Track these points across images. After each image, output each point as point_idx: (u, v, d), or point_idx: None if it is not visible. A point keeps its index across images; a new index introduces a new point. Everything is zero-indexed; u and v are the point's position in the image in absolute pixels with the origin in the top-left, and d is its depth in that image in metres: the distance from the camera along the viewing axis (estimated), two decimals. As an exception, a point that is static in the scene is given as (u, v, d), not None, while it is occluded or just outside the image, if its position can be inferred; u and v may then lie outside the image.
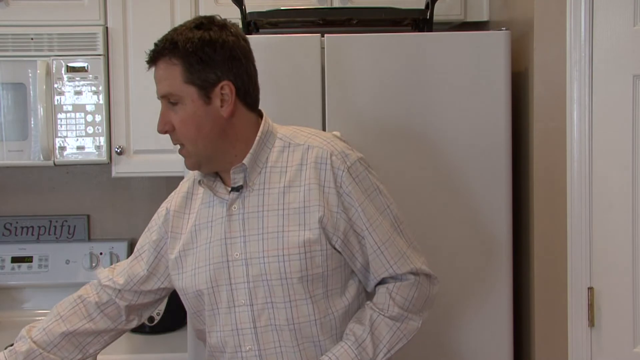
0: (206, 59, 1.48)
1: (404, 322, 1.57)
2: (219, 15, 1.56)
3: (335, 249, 1.53)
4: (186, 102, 1.50)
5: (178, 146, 1.57)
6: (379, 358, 1.54)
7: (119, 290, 1.73)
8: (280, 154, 1.56)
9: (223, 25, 1.53)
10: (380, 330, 1.54)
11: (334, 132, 1.66)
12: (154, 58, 1.54)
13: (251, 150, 1.54)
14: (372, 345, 1.53)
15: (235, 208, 1.56)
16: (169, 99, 1.52)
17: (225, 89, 1.50)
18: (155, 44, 1.55)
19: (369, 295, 1.63)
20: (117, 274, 1.76)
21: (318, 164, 1.53)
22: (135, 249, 1.77)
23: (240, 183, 1.55)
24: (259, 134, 1.55)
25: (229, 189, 1.57)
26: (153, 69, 1.56)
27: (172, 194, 1.74)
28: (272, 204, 1.53)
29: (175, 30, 1.53)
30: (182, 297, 1.66)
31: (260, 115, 1.60)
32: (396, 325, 1.55)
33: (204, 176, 1.60)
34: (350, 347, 1.52)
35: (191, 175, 1.68)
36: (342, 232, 1.53)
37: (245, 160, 1.53)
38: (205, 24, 1.52)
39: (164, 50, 1.51)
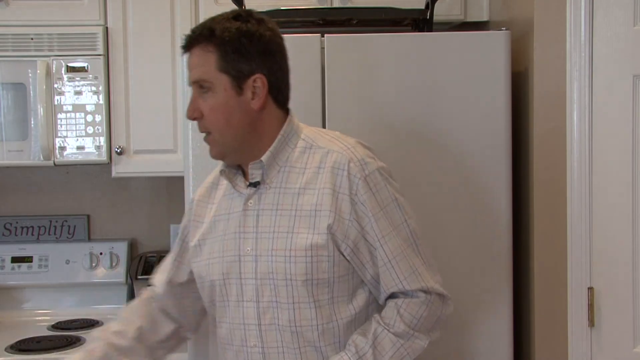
0: (242, 50, 1.48)
1: (410, 340, 1.52)
2: (256, 11, 1.56)
3: (344, 256, 1.51)
4: (218, 91, 1.50)
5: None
6: None
7: (162, 293, 1.75)
8: (302, 154, 1.55)
9: (260, 19, 1.53)
10: (383, 345, 1.51)
11: (360, 141, 1.61)
12: (190, 44, 1.53)
13: (271, 148, 1.53)
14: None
15: (251, 203, 1.55)
16: (200, 86, 1.51)
17: (258, 82, 1.50)
18: (192, 31, 1.54)
19: (380, 308, 1.58)
20: (158, 275, 1.79)
21: (335, 169, 1.50)
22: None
23: (258, 179, 1.55)
24: (281, 132, 1.54)
25: (248, 183, 1.57)
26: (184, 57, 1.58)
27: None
28: (287, 203, 1.52)
29: (213, 19, 1.53)
30: (199, 286, 1.66)
31: (287, 113, 1.59)
32: (400, 342, 1.51)
33: (226, 167, 1.60)
34: (350, 358, 1.49)
35: (220, 166, 1.67)
36: (352, 240, 1.50)
37: (264, 157, 1.53)
38: (243, 16, 1.52)
39: (200, 37, 1.51)
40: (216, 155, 1.56)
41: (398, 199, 1.53)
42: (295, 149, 1.55)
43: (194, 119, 1.55)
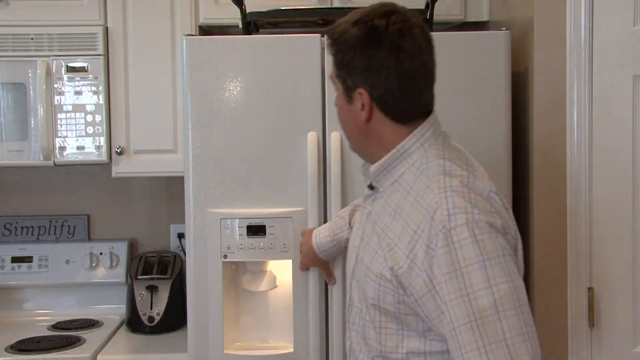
0: (346, 62, 1.44)
1: None
2: (404, 12, 1.45)
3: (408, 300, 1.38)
4: (338, 93, 1.50)
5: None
6: None
7: None
8: (414, 176, 1.44)
9: (390, 22, 1.41)
10: None
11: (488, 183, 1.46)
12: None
13: (381, 160, 1.46)
14: None
15: (367, 204, 1.55)
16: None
17: (364, 96, 1.43)
18: (337, 23, 1.49)
19: None
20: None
21: (423, 209, 1.37)
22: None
23: (369, 182, 1.53)
24: (397, 146, 1.45)
25: (368, 184, 1.56)
26: None
27: None
28: (384, 218, 1.45)
29: (347, 16, 1.47)
30: None
31: (411, 126, 1.47)
32: None
33: (365, 163, 1.57)
34: None
35: None
36: (418, 291, 1.35)
37: (373, 167, 1.48)
38: (369, 17, 1.43)
39: (328, 37, 1.49)
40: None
41: (486, 260, 1.29)
42: (412, 167, 1.45)
43: None
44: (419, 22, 1.44)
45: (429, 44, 1.46)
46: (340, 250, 1.92)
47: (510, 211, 1.45)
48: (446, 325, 1.32)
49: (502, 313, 1.28)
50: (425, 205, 1.36)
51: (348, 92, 1.46)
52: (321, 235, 1.95)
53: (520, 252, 1.43)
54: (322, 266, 2.02)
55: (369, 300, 1.43)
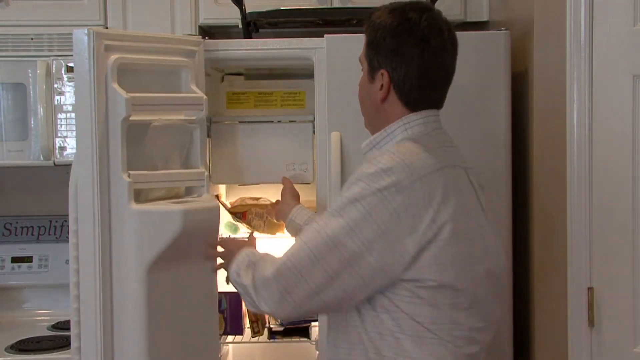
0: (377, 43, 1.59)
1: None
2: (439, 12, 1.61)
3: None
4: (363, 72, 1.65)
5: None
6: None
7: None
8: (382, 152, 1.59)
9: (423, 17, 1.57)
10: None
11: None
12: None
13: (371, 137, 1.65)
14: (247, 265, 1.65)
15: None
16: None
17: (385, 77, 1.58)
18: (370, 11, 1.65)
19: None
20: None
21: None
22: None
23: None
24: (386, 127, 1.61)
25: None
26: None
27: None
28: None
29: (385, 5, 1.62)
30: None
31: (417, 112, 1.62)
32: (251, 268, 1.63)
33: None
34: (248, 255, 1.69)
35: None
36: None
37: (364, 143, 1.66)
38: (399, 10, 1.58)
39: (365, 21, 1.64)
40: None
41: (356, 202, 1.48)
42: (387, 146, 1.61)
43: None
44: (449, 25, 1.61)
45: (453, 47, 1.63)
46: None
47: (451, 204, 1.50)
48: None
49: (325, 233, 1.48)
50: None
51: (372, 71, 1.61)
52: (301, 214, 2.07)
53: (441, 241, 1.47)
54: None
55: None
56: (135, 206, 1.88)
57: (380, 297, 1.51)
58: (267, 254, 1.65)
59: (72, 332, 1.95)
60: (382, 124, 1.62)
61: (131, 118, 1.88)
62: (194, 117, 2.04)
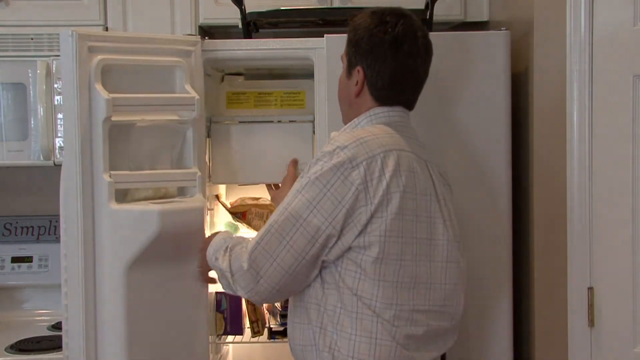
0: (355, 42, 1.72)
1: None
2: (416, 20, 1.72)
3: None
4: (343, 69, 1.78)
5: None
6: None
7: None
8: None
9: (399, 22, 1.68)
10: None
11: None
12: None
13: (341, 129, 1.75)
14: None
15: None
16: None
17: (360, 73, 1.71)
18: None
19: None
20: None
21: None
22: None
23: None
24: (354, 119, 1.73)
25: None
26: None
27: None
28: None
29: (368, 9, 1.75)
30: None
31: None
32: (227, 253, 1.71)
33: None
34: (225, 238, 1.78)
35: None
36: None
37: (333, 133, 1.77)
38: (378, 13, 1.71)
39: (349, 22, 1.76)
40: None
41: (316, 179, 1.59)
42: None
43: None
44: (424, 32, 1.72)
45: (427, 53, 1.73)
46: None
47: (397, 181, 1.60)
48: None
49: (274, 225, 1.60)
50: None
51: (350, 68, 1.74)
52: None
53: (390, 213, 1.58)
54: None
55: None
56: (114, 206, 1.90)
57: (329, 272, 1.62)
58: (241, 238, 1.75)
59: (63, 328, 1.99)
60: (354, 117, 1.74)
61: (115, 118, 1.91)
62: (187, 118, 2.05)
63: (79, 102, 1.88)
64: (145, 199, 2.00)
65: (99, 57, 1.90)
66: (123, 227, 1.90)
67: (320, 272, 1.63)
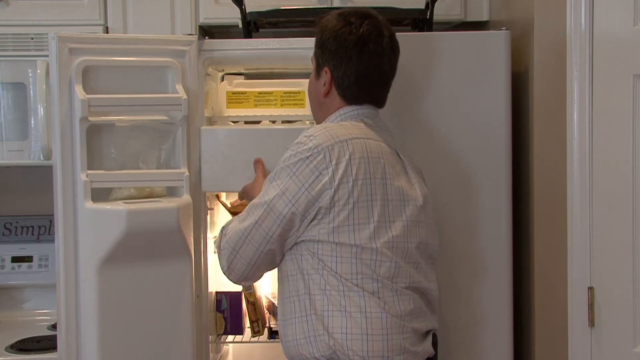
0: (322, 43, 1.75)
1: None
2: (381, 20, 1.75)
3: None
4: (312, 69, 1.81)
5: None
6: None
7: None
8: None
9: (364, 23, 1.72)
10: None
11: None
12: None
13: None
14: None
15: None
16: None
17: (327, 74, 1.75)
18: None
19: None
20: None
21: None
22: None
23: None
24: (326, 118, 1.77)
25: None
26: None
27: None
28: None
29: (336, 11, 1.78)
30: None
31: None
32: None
33: None
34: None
35: None
36: None
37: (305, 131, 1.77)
38: (345, 14, 1.74)
39: (317, 23, 1.79)
40: None
41: (286, 167, 1.64)
42: None
43: None
44: (390, 32, 1.75)
45: (393, 51, 1.77)
46: None
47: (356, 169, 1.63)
48: None
49: (251, 209, 1.68)
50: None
51: (318, 69, 1.78)
52: None
53: (355, 194, 1.62)
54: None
55: None
56: (89, 205, 1.95)
57: (307, 260, 1.65)
58: (233, 221, 1.78)
59: (57, 324, 2.03)
60: (324, 117, 1.78)
61: (92, 118, 1.95)
62: (175, 118, 2.06)
63: (60, 102, 1.94)
64: (129, 198, 2.03)
65: (81, 58, 1.95)
66: (96, 226, 1.95)
67: (299, 263, 1.66)
